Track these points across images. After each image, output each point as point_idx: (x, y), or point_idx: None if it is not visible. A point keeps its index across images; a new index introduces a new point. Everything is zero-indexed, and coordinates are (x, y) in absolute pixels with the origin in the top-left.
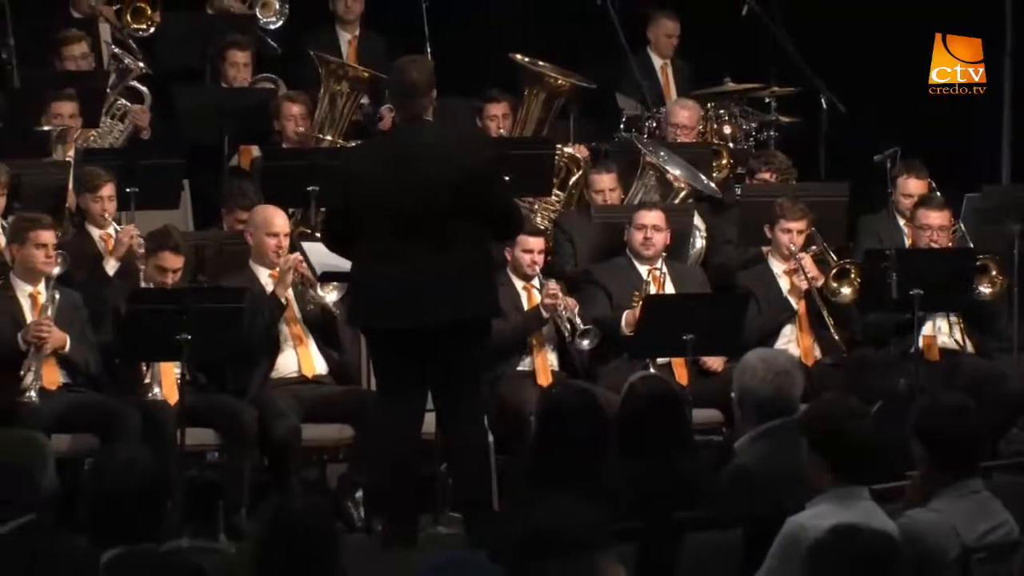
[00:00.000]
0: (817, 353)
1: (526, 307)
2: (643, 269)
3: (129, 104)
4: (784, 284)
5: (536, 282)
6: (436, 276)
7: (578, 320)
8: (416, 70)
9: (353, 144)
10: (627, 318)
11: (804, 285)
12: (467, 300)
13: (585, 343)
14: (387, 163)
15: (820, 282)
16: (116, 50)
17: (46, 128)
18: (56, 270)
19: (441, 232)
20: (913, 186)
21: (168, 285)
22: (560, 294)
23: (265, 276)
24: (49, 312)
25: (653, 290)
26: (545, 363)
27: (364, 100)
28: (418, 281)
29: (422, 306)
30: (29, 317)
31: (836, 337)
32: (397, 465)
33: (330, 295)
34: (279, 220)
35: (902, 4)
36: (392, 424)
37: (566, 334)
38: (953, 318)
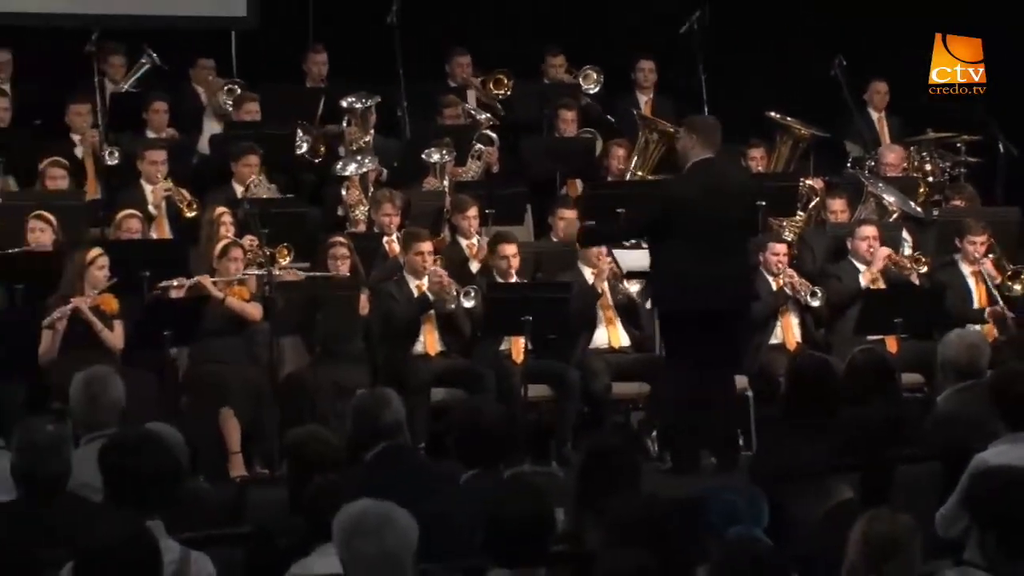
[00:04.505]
0: (996, 332)
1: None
2: (862, 268)
3: (483, 147)
4: (971, 283)
5: (781, 277)
6: (734, 271)
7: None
8: (718, 124)
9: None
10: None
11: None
12: (750, 290)
13: (816, 302)
14: (705, 186)
15: (998, 280)
16: (472, 109)
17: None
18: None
19: (735, 239)
20: None
21: (512, 268)
22: (795, 273)
23: (587, 273)
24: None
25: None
26: (791, 332)
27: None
28: (723, 274)
29: (725, 293)
30: None
31: (1011, 320)
32: (693, 411)
33: (633, 287)
34: None
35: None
36: (689, 383)
37: (802, 300)
38: None
